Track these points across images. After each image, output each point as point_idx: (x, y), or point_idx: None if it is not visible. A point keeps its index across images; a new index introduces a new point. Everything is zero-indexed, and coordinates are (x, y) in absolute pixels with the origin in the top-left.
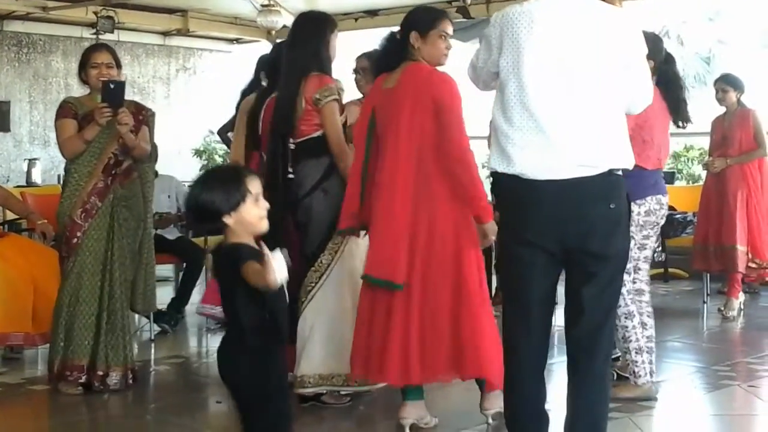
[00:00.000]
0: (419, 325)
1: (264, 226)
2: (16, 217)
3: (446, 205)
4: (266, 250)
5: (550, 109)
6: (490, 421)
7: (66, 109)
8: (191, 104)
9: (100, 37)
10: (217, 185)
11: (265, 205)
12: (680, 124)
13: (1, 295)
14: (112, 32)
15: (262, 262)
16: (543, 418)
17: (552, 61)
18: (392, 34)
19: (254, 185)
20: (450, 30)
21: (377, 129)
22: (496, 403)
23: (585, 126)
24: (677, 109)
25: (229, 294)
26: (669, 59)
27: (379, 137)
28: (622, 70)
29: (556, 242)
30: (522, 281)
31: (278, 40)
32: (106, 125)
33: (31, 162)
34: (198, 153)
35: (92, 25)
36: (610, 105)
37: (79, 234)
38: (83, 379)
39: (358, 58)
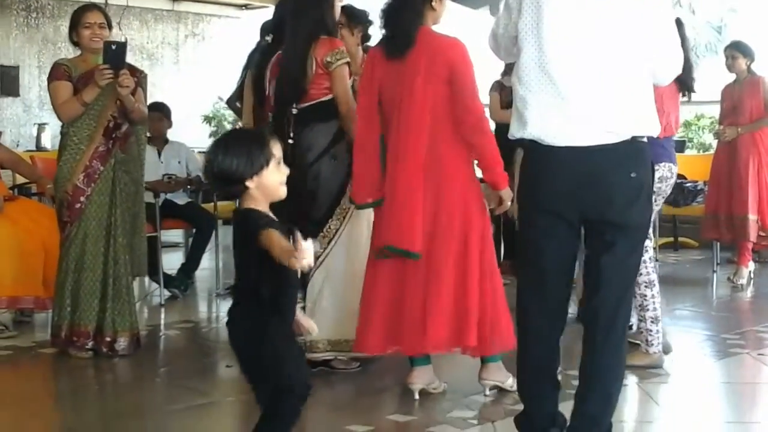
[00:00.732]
0: (424, 295)
1: (283, 191)
2: (26, 181)
3: (455, 173)
4: (298, 235)
5: (569, 72)
6: (487, 392)
7: (60, 71)
8: (200, 70)
9: (109, 1)
10: (241, 148)
11: (285, 170)
12: (684, 93)
13: (11, 259)
14: None
15: (286, 236)
16: (554, 386)
17: (572, 22)
18: None
19: (277, 149)
20: None
21: (384, 97)
22: (495, 375)
23: (606, 91)
24: (681, 77)
25: (241, 259)
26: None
27: (387, 105)
28: (646, 37)
29: (574, 211)
30: (539, 248)
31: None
32: (104, 87)
33: (41, 127)
34: (207, 119)
35: None
36: (634, 70)
37: (82, 199)
38: (90, 345)
39: None
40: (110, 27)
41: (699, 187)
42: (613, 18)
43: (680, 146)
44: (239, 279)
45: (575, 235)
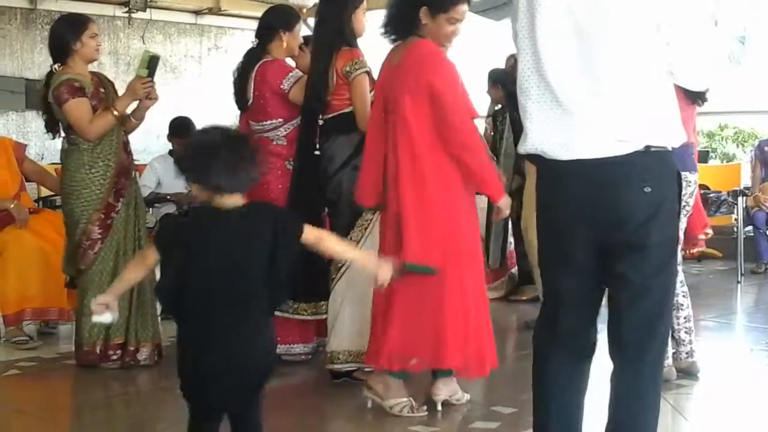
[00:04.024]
0: (438, 309)
1: None
2: (51, 193)
3: (440, 187)
4: None
5: (567, 78)
6: (439, 407)
7: (76, 88)
8: (223, 83)
9: (133, 15)
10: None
11: None
12: (695, 101)
13: (36, 271)
14: (145, 11)
15: None
16: None
17: (567, 22)
18: None
19: None
20: (462, 14)
21: (388, 108)
22: (445, 390)
23: (610, 96)
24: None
25: (272, 254)
26: None
27: (389, 113)
28: (654, 31)
29: (587, 232)
30: (554, 274)
31: (309, 19)
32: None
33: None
34: None
35: (125, 3)
36: (643, 72)
37: (113, 215)
38: (117, 356)
39: None
40: None
41: (723, 198)
42: (611, 18)
43: (704, 156)
44: (244, 280)
45: (594, 262)
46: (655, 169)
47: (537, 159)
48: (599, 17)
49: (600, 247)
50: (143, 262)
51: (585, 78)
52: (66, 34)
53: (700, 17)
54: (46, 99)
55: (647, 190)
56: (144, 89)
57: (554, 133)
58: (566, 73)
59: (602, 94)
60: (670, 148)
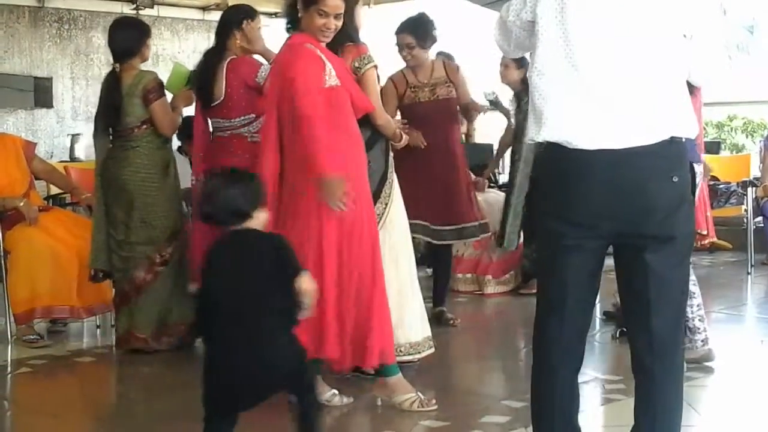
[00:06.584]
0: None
1: None
2: (60, 191)
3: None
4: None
5: (601, 63)
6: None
7: (162, 86)
8: None
9: (140, 12)
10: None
11: None
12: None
13: (46, 269)
14: (152, 7)
15: None
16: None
17: (601, 8)
18: None
19: None
20: (333, 8)
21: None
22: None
23: (641, 85)
24: None
25: (282, 280)
26: None
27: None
28: (681, 37)
29: (608, 224)
30: (562, 263)
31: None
32: None
33: (74, 137)
34: None
35: (132, 0)
36: (670, 65)
37: None
38: (178, 337)
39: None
40: None
41: (732, 189)
42: (644, 11)
43: (715, 147)
44: (274, 298)
45: (603, 251)
46: (679, 159)
47: (554, 147)
48: (636, 12)
49: (618, 239)
50: None
51: (620, 66)
52: (138, 38)
53: (715, 31)
54: (115, 97)
55: (675, 179)
56: (192, 101)
57: (580, 120)
58: (601, 59)
59: (634, 83)
60: (684, 139)
